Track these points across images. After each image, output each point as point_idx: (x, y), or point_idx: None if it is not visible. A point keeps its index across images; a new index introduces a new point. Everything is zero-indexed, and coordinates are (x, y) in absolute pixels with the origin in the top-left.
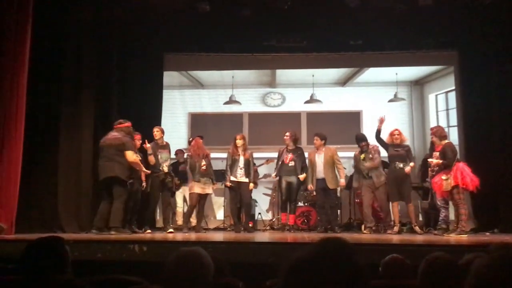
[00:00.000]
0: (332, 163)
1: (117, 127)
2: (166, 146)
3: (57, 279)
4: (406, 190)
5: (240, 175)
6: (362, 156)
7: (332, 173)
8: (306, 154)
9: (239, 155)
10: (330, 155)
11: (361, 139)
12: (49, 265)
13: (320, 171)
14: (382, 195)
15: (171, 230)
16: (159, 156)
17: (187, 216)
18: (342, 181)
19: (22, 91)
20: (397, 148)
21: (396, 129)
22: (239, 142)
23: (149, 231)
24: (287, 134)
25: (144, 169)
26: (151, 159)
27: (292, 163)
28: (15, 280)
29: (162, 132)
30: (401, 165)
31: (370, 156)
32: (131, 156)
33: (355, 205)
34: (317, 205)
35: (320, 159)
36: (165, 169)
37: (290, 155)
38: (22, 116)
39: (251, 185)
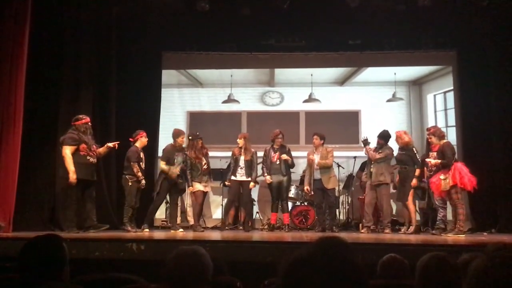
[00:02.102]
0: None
1: (72, 124)
2: (182, 149)
3: (53, 286)
4: (407, 190)
5: (240, 175)
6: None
7: (328, 173)
8: (298, 153)
9: (240, 154)
10: (325, 153)
11: (380, 136)
12: (47, 263)
13: (317, 172)
14: (382, 195)
15: (181, 229)
16: (175, 160)
17: (197, 214)
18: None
19: (20, 90)
20: (400, 151)
21: (396, 131)
22: (239, 141)
23: (147, 230)
24: (280, 135)
25: (72, 168)
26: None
27: (278, 161)
28: (12, 278)
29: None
30: (406, 168)
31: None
32: (64, 151)
33: (353, 204)
34: (315, 205)
35: (316, 160)
36: (177, 171)
37: (277, 154)
38: (20, 114)
39: (251, 184)
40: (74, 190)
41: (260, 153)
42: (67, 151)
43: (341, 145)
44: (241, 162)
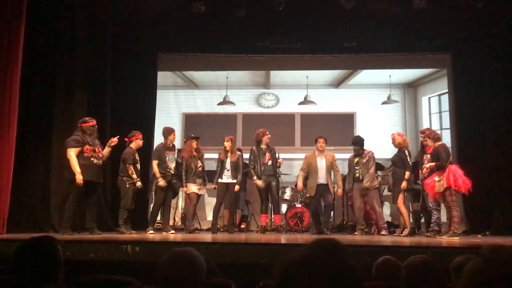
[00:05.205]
0: (331, 169)
1: (79, 126)
2: (173, 148)
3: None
4: (395, 193)
5: (227, 177)
6: (356, 160)
7: (330, 178)
8: (294, 156)
9: (226, 157)
10: (331, 160)
11: (355, 143)
12: (41, 265)
13: (322, 176)
14: (372, 199)
15: (172, 231)
16: (166, 158)
17: (190, 216)
18: (340, 191)
19: (15, 91)
20: (396, 153)
21: (392, 134)
22: (226, 144)
23: (151, 232)
24: (268, 134)
25: (77, 169)
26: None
27: (270, 162)
28: (7, 280)
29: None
30: (395, 170)
31: (364, 161)
32: (68, 153)
33: (348, 207)
34: (311, 208)
35: (322, 164)
36: (172, 171)
37: (268, 155)
38: (14, 116)
39: (236, 187)
40: (77, 191)
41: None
42: (71, 153)
43: (336, 147)
44: (227, 165)
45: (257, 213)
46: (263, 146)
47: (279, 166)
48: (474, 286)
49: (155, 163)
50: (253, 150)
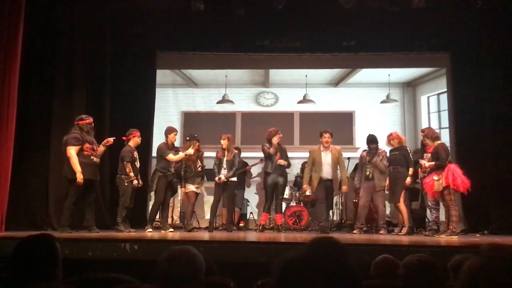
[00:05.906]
0: (337, 163)
1: (75, 124)
2: (173, 147)
3: (45, 286)
4: (398, 191)
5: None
6: (368, 158)
7: (336, 173)
8: (292, 154)
9: (223, 156)
10: (337, 155)
11: (372, 141)
12: (40, 263)
13: (327, 172)
14: (378, 198)
15: (171, 229)
16: None
17: (189, 214)
18: (345, 187)
19: (13, 90)
20: (393, 152)
21: (391, 133)
22: (222, 142)
23: (150, 230)
24: (280, 133)
25: (78, 168)
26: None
27: (279, 162)
28: (4, 278)
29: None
30: (398, 168)
31: (378, 161)
32: (68, 151)
33: (347, 205)
34: (314, 205)
35: (327, 159)
36: (173, 170)
37: (278, 154)
38: (13, 114)
39: (222, 178)
40: (76, 190)
41: (256, 154)
42: (72, 151)
43: (335, 146)
44: (225, 163)
45: (256, 212)
46: (274, 146)
47: (288, 166)
48: (472, 285)
49: (171, 155)
50: (266, 148)
